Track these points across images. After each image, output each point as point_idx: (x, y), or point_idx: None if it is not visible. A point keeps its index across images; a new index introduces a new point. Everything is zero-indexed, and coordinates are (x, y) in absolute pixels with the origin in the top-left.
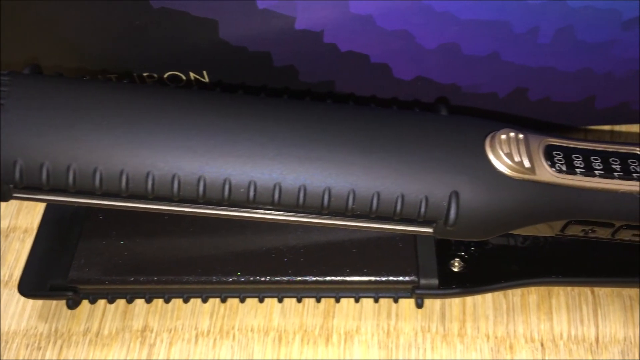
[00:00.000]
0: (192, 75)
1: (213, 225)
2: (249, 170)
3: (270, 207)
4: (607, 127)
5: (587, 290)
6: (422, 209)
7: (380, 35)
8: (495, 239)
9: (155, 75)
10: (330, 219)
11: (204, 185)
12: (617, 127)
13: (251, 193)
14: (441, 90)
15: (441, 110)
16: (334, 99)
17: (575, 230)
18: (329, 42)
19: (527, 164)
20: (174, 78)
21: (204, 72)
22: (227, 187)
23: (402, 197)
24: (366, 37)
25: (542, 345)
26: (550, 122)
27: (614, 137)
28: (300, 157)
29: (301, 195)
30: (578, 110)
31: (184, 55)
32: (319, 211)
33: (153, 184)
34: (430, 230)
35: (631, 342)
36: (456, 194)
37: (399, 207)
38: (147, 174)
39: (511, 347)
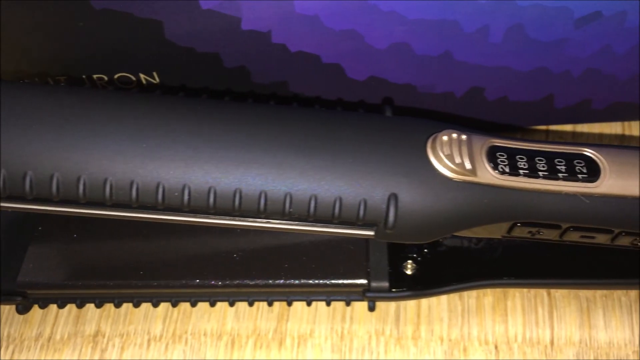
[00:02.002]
0: (142, 77)
1: (163, 229)
2: (182, 175)
3: (205, 212)
4: (569, 127)
5: (543, 291)
6: (361, 212)
7: (329, 36)
8: (449, 241)
9: (105, 78)
10: (269, 223)
11: (137, 190)
12: (579, 127)
13: (185, 197)
14: (396, 91)
15: (386, 112)
16: (287, 100)
17: (521, 232)
18: (278, 42)
19: (468, 165)
20: (124, 80)
21: (154, 74)
22: (160, 191)
23: (340, 200)
24: (315, 37)
25: (496, 347)
26: (510, 123)
27: (576, 137)
28: (235, 160)
29: (236, 199)
30: (537, 109)
31: (132, 57)
32: (255, 215)
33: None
34: (371, 233)
35: (586, 345)
36: (395, 196)
37: (337, 211)
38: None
39: (465, 350)
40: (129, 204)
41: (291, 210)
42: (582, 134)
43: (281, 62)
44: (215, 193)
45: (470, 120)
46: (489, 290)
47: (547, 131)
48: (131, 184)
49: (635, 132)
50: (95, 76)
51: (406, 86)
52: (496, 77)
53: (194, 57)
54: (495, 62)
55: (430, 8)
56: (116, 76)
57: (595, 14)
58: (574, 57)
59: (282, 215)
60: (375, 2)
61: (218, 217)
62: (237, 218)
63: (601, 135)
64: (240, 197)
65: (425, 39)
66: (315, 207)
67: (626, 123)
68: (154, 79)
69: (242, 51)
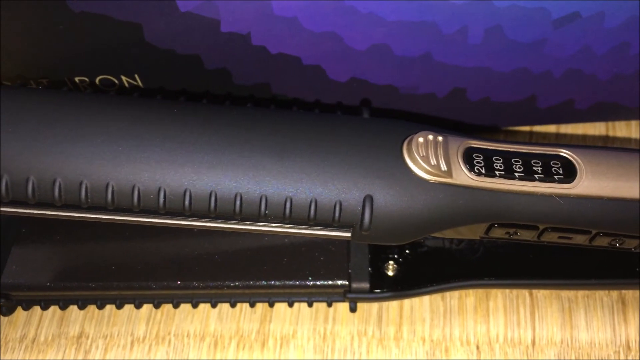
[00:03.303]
0: (124, 79)
1: (145, 230)
2: (158, 177)
3: (181, 214)
4: (552, 128)
5: (525, 292)
6: (337, 214)
7: (309, 37)
8: (431, 242)
9: (87, 80)
10: (245, 225)
11: (112, 192)
12: (562, 128)
13: (161, 200)
14: (378, 92)
15: (363, 113)
16: (266, 102)
17: (499, 233)
18: (258, 44)
19: (443, 166)
20: (106, 82)
21: (136, 76)
22: (135, 193)
23: (316, 202)
24: (294, 39)
25: (477, 348)
26: (494, 123)
27: (559, 138)
28: (210, 163)
29: (212, 201)
30: (520, 110)
31: (113, 59)
32: (231, 217)
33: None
34: (348, 234)
35: (568, 345)
36: (370, 198)
37: (312, 213)
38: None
39: (447, 351)
40: (105, 207)
41: (267, 212)
42: (565, 135)
43: (262, 63)
44: (190, 195)
45: (454, 121)
46: (471, 291)
47: (531, 132)
48: (106, 186)
49: (619, 133)
50: (77, 79)
51: (388, 87)
52: (477, 78)
53: (175, 59)
54: (475, 63)
55: (409, 9)
56: (98, 78)
57: (573, 14)
58: (554, 57)
59: (258, 217)
60: (354, 3)
61: (195, 219)
62: (213, 220)
63: (585, 136)
64: (216, 200)
65: (405, 41)
66: (291, 209)
67: (610, 123)
68: (135, 81)
69: (222, 53)
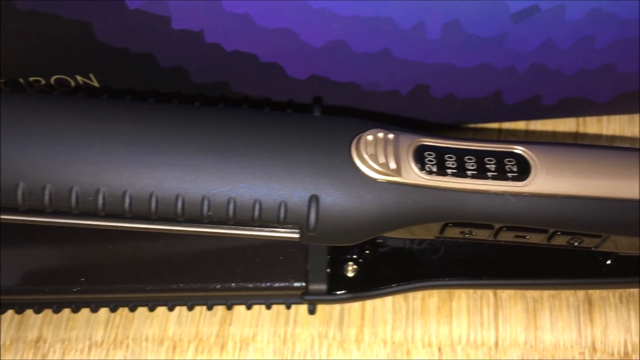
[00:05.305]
0: (79, 79)
1: (98, 233)
2: (96, 178)
3: (122, 216)
4: (522, 125)
5: (489, 292)
6: (281, 215)
7: (263, 34)
8: (392, 242)
9: (42, 80)
10: (189, 226)
11: (50, 195)
12: (532, 125)
13: (100, 202)
14: (340, 89)
15: (315, 111)
16: (213, 100)
17: (453, 233)
18: (212, 42)
19: (392, 165)
20: (61, 82)
21: (91, 76)
22: (73, 196)
23: (260, 202)
24: (249, 36)
25: (439, 349)
26: (461, 120)
27: (529, 135)
28: (150, 163)
29: (152, 202)
30: (486, 106)
31: (65, 59)
32: (173, 218)
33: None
34: (296, 236)
35: (531, 346)
36: (316, 198)
37: (256, 213)
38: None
39: (408, 352)
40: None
41: (210, 213)
42: (535, 131)
43: (218, 61)
44: (130, 197)
45: (420, 119)
46: (434, 292)
47: (500, 129)
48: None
49: (589, 129)
50: (31, 79)
51: (349, 84)
52: (439, 74)
53: (129, 57)
54: (436, 59)
55: (363, 5)
56: (52, 79)
57: (532, 7)
58: (516, 52)
59: (201, 219)
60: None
61: (137, 221)
62: (156, 222)
63: (555, 133)
64: (157, 201)
65: (362, 37)
66: (234, 210)
67: (580, 119)
68: (91, 80)
69: (176, 51)
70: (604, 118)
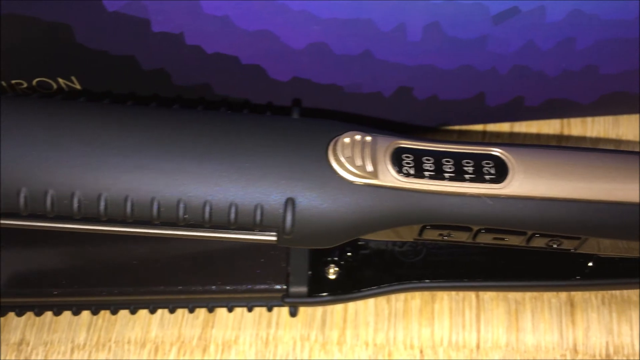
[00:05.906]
0: (61, 82)
1: (79, 236)
2: (72, 181)
3: (97, 219)
4: (506, 127)
5: (471, 294)
6: (257, 218)
7: (244, 36)
8: (373, 244)
9: (25, 83)
10: (165, 229)
11: (24, 198)
12: (516, 127)
13: (75, 205)
14: (323, 91)
15: (293, 113)
16: (193, 103)
17: (432, 235)
18: (192, 44)
19: (369, 167)
20: (44, 85)
21: (73, 79)
22: (48, 199)
23: (236, 205)
24: (229, 38)
25: (421, 352)
26: (445, 122)
27: (514, 136)
28: (125, 166)
29: (128, 206)
30: (470, 108)
31: (46, 62)
32: (149, 222)
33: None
34: (273, 239)
35: (513, 348)
36: (292, 200)
37: (232, 216)
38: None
39: (390, 355)
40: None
41: (186, 216)
42: (519, 133)
43: (199, 63)
44: (105, 200)
45: (404, 121)
46: (417, 294)
47: (484, 131)
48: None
49: (574, 131)
50: (13, 82)
51: (331, 87)
52: (422, 76)
53: (110, 60)
54: (418, 61)
55: (343, 7)
56: (34, 81)
57: (513, 9)
58: (498, 54)
59: (177, 222)
60: (285, 1)
61: (112, 224)
62: (132, 225)
63: (539, 135)
64: (132, 204)
65: (343, 39)
66: (210, 213)
67: (565, 121)
68: (73, 83)
69: (157, 53)
70: (589, 119)
